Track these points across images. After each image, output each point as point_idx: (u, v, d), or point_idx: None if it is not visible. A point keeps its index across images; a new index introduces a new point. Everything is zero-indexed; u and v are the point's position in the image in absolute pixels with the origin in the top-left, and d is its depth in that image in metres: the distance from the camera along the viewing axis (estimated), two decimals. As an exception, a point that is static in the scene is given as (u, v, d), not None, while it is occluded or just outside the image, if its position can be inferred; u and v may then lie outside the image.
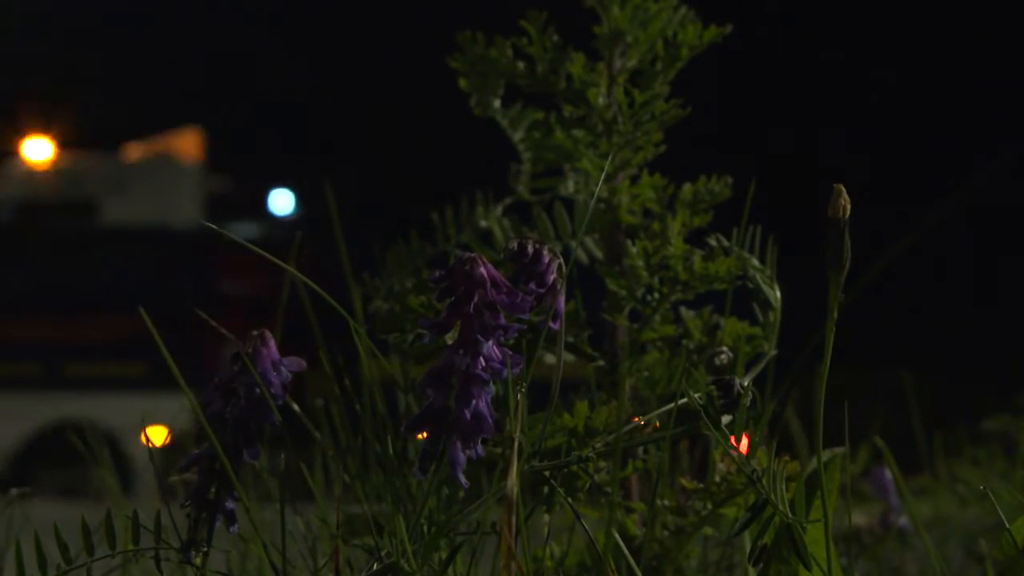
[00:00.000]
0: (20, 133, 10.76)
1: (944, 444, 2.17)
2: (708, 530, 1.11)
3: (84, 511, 0.91)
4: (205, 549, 0.91)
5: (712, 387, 0.94)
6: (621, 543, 0.96)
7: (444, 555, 0.92)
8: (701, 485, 1.07)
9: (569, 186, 1.20)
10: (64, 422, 8.58)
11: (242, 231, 10.11)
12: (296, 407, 1.05)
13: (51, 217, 10.30)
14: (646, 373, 1.12)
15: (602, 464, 1.01)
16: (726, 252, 1.10)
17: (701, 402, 0.90)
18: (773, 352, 1.11)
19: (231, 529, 0.92)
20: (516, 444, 0.85)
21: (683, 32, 1.15)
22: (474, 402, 0.84)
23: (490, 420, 0.84)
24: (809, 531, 0.92)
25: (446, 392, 0.84)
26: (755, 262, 1.09)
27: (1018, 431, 2.32)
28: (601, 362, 1.14)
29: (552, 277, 0.92)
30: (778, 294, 1.10)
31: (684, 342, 1.13)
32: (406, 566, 0.86)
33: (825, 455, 0.97)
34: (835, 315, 0.87)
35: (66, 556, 0.88)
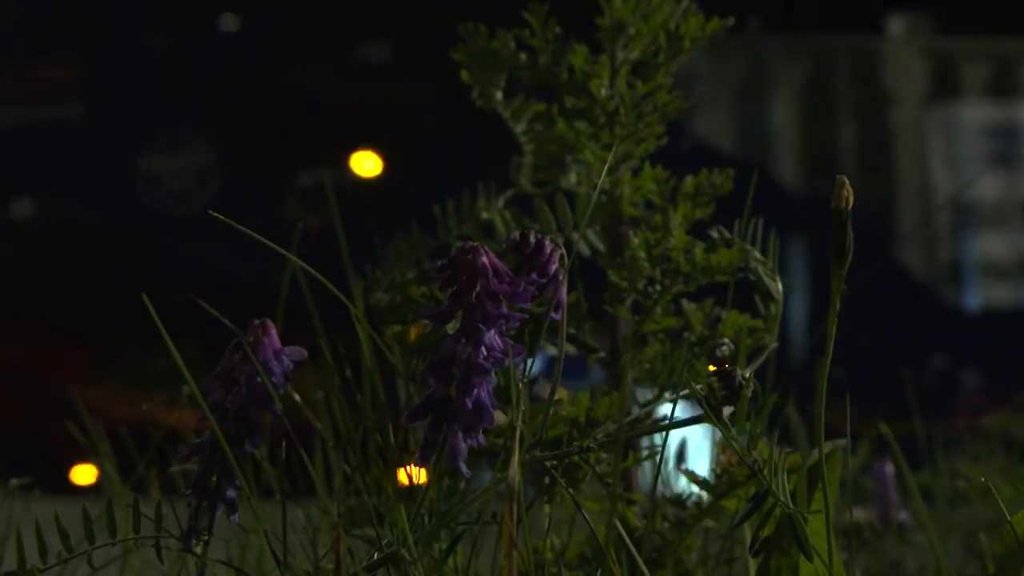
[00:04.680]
0: None
1: (944, 440, 2.17)
2: (709, 522, 1.11)
3: (85, 502, 0.91)
4: (206, 538, 0.91)
5: (713, 379, 0.93)
6: (624, 534, 0.96)
7: (444, 545, 0.92)
8: (702, 476, 1.07)
9: (571, 178, 1.20)
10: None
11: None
12: (297, 397, 1.05)
13: None
14: (647, 365, 1.12)
15: (603, 455, 1.01)
16: (728, 244, 1.10)
17: (702, 393, 0.90)
18: (775, 344, 1.11)
19: (232, 518, 0.92)
20: (517, 434, 0.85)
21: (685, 24, 1.15)
22: (476, 391, 0.84)
23: (491, 409, 0.84)
24: (810, 523, 0.91)
25: (447, 382, 0.84)
26: (757, 254, 1.09)
27: (1018, 428, 2.32)
28: (603, 353, 1.14)
29: (554, 267, 0.92)
30: (780, 286, 1.10)
31: (685, 334, 1.13)
32: (407, 556, 0.86)
33: (826, 447, 0.97)
34: (837, 306, 0.87)
35: (67, 544, 0.88)
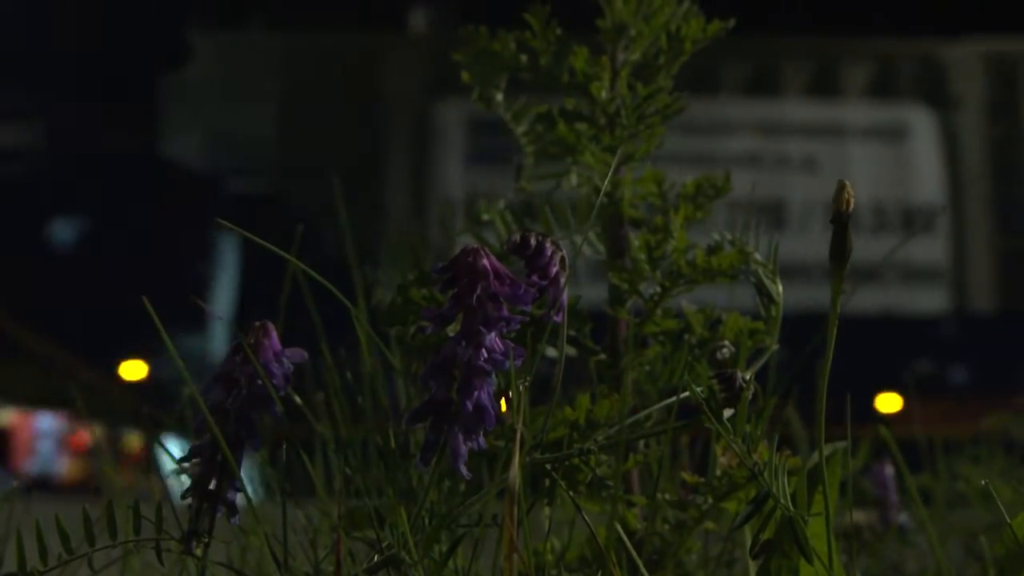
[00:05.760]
0: None
1: (944, 442, 2.17)
2: (709, 524, 1.10)
3: (85, 503, 0.91)
4: (206, 540, 0.91)
5: (714, 381, 0.93)
6: (624, 536, 0.96)
7: (445, 547, 0.91)
8: (702, 479, 1.07)
9: (572, 180, 1.20)
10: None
11: None
12: (298, 399, 1.05)
13: None
14: (648, 367, 1.12)
15: (603, 457, 1.01)
16: (729, 246, 1.10)
17: (703, 396, 0.90)
18: (775, 346, 1.11)
19: (232, 520, 0.92)
20: (518, 436, 0.84)
21: (687, 26, 1.15)
22: (476, 394, 0.84)
23: (492, 412, 0.84)
24: (810, 526, 0.91)
25: (448, 384, 0.84)
26: (757, 256, 1.09)
27: (1018, 429, 2.32)
28: (603, 356, 1.14)
29: (555, 269, 0.91)
30: (780, 288, 1.10)
31: (686, 336, 1.13)
32: (407, 558, 0.86)
33: (826, 450, 0.97)
34: (837, 308, 0.87)
35: (67, 546, 0.88)
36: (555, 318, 0.92)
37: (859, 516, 1.77)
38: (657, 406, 1.01)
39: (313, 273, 0.97)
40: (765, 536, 0.94)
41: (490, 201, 1.12)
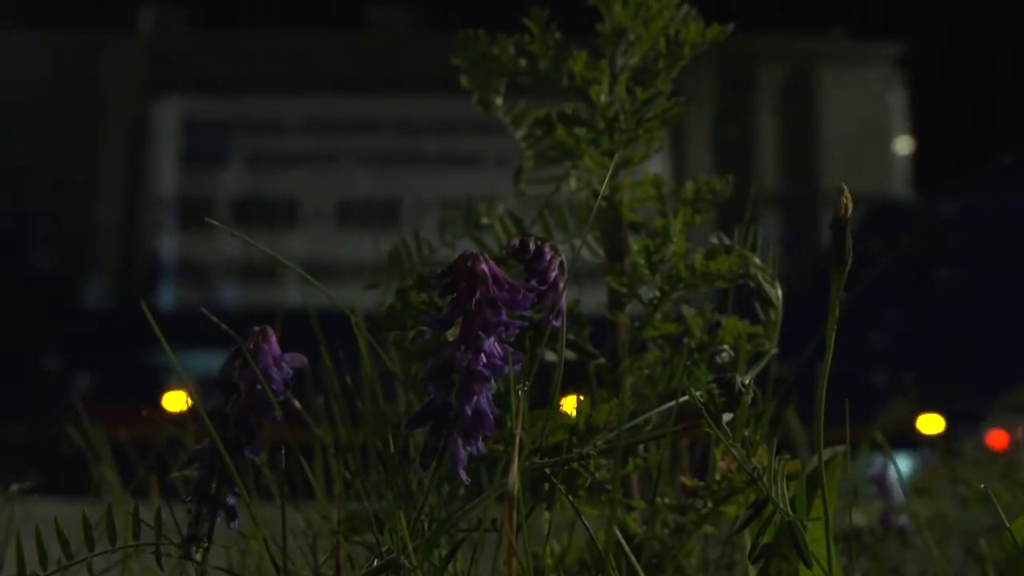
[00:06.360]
0: None
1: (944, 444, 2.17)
2: (709, 528, 1.10)
3: (85, 507, 0.91)
4: (205, 545, 0.91)
5: (713, 385, 0.93)
6: (622, 540, 0.96)
7: (444, 552, 0.92)
8: (702, 483, 1.07)
9: (571, 184, 1.20)
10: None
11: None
12: (297, 403, 1.05)
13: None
14: (647, 371, 1.12)
15: (603, 461, 1.01)
16: (728, 250, 1.10)
17: (702, 400, 0.90)
18: (774, 350, 1.11)
19: (232, 525, 0.92)
20: (517, 441, 0.85)
21: (685, 30, 1.16)
22: (475, 399, 0.84)
23: (491, 417, 0.84)
24: (809, 529, 0.91)
25: (447, 388, 0.84)
26: (756, 260, 1.09)
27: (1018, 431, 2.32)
28: (602, 360, 1.14)
29: (554, 274, 0.92)
30: (779, 292, 1.10)
31: (685, 340, 1.13)
32: (406, 562, 0.86)
33: (826, 454, 0.97)
34: (836, 313, 0.87)
35: (67, 551, 0.88)
36: (554, 322, 0.92)
37: (859, 518, 1.78)
38: (656, 410, 1.01)
39: (310, 278, 0.97)
40: (764, 540, 0.94)
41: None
